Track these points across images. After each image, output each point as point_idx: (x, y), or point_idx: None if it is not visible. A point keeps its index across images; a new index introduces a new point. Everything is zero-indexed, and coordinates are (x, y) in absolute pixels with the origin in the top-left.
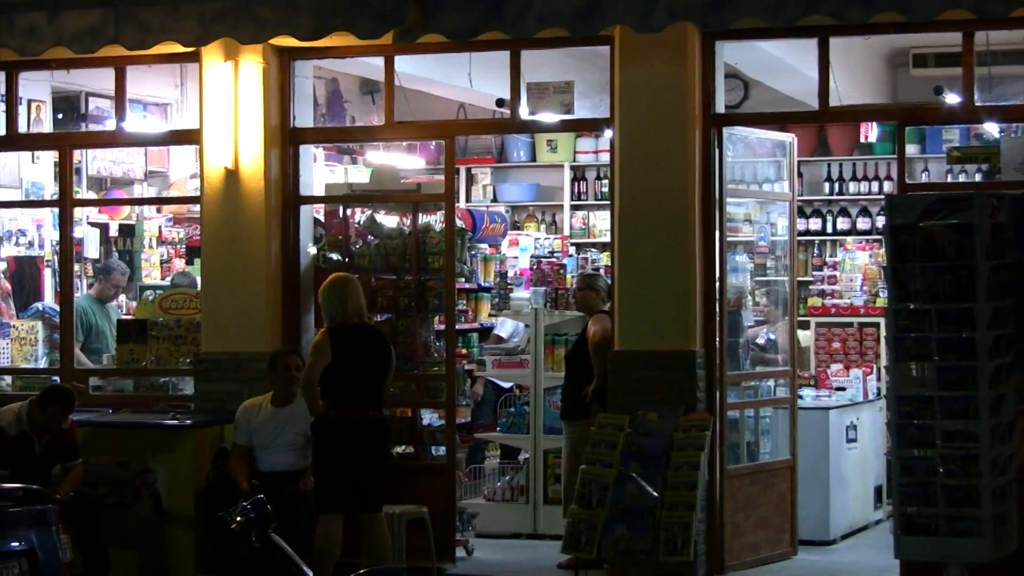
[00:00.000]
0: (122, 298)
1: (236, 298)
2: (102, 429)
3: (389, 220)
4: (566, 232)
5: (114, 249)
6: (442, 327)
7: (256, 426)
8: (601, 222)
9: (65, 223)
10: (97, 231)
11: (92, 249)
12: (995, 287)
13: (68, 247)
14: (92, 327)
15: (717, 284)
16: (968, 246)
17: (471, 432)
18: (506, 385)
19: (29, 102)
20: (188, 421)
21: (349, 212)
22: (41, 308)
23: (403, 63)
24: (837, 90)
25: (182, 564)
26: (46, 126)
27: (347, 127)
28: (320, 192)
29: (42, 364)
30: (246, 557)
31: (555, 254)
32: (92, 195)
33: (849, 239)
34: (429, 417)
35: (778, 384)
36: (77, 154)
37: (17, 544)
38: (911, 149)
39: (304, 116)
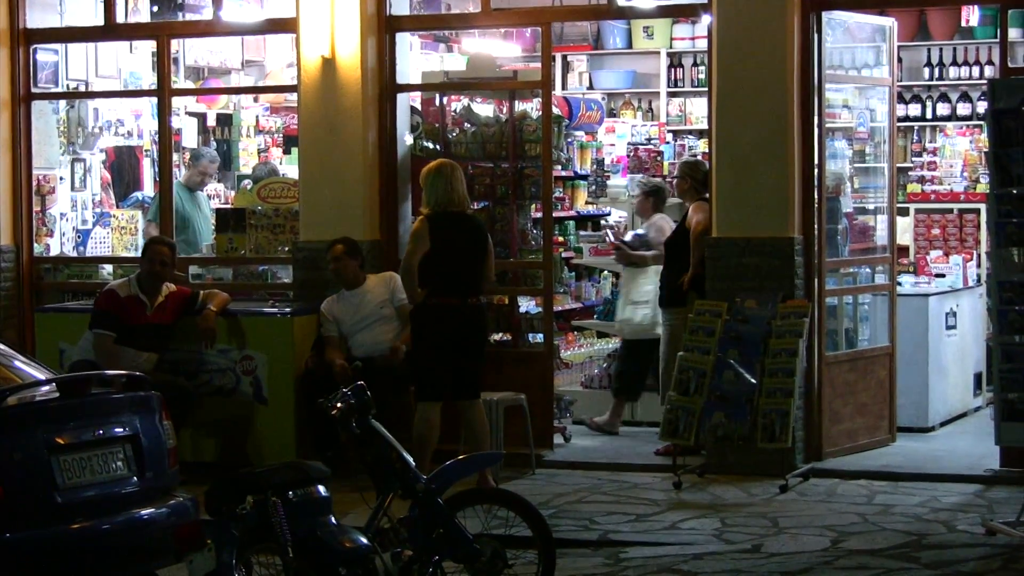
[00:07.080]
0: (219, 187)
1: (333, 187)
2: None
3: (485, 108)
4: (663, 119)
5: (212, 139)
6: (539, 215)
7: (339, 313)
8: (698, 109)
9: (163, 113)
10: (195, 121)
11: (190, 139)
12: None
13: (166, 137)
14: (179, 215)
15: (816, 171)
16: None
17: (568, 320)
18: None
19: None
20: (287, 309)
21: (446, 100)
22: (140, 198)
23: None
24: None
25: (283, 449)
26: (143, 16)
27: (443, 14)
28: (416, 80)
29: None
30: (346, 443)
31: (652, 141)
32: (190, 85)
33: (949, 125)
34: (526, 305)
35: (877, 271)
36: (175, 44)
37: (121, 430)
38: (1014, 33)
39: (400, 4)
